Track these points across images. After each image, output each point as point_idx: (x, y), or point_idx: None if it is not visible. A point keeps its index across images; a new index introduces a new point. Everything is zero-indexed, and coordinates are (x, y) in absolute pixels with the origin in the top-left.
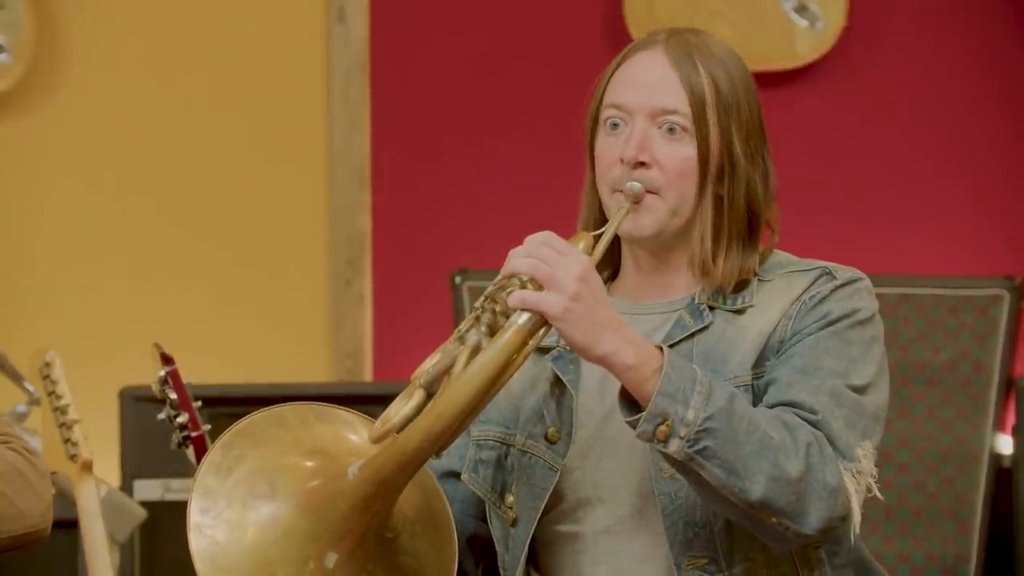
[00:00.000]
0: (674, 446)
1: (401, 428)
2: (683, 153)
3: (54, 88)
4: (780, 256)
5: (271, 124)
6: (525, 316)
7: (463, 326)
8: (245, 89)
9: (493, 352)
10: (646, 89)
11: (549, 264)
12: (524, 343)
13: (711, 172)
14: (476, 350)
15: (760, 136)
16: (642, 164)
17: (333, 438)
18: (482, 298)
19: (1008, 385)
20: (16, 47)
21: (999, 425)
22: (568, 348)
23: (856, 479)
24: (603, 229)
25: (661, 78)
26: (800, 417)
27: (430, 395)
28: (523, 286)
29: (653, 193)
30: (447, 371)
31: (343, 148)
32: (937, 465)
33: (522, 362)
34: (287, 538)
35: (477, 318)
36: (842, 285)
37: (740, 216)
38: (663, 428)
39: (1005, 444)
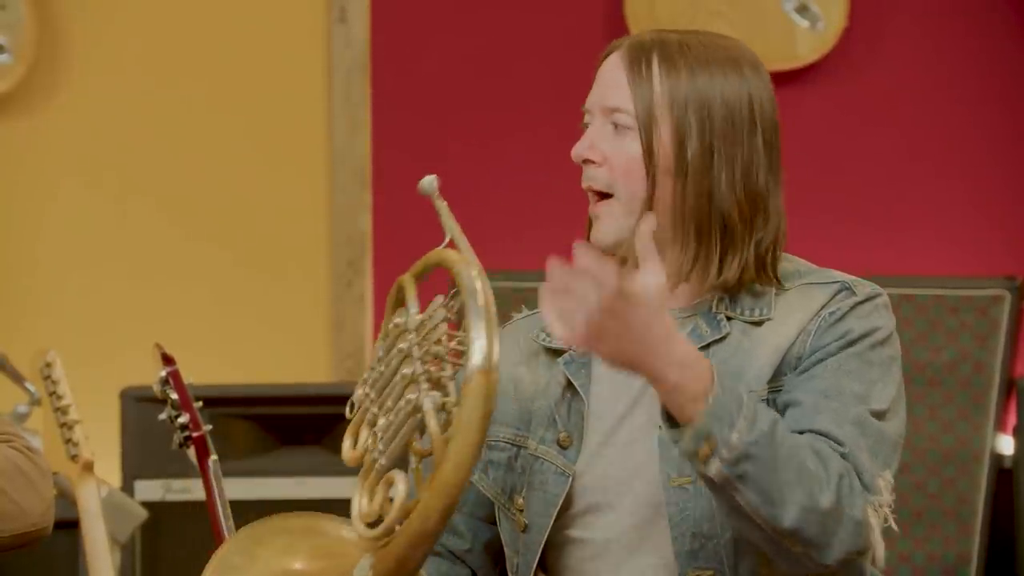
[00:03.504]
0: (714, 468)
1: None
2: (629, 149)
3: (55, 88)
4: (796, 263)
5: (272, 124)
6: (479, 355)
7: (409, 394)
8: (246, 89)
9: (471, 407)
10: (600, 89)
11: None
12: (487, 382)
13: (659, 170)
14: (439, 407)
15: (738, 132)
16: (589, 162)
17: (335, 542)
18: (416, 361)
19: (1009, 386)
20: (17, 48)
21: (1000, 426)
22: (580, 352)
23: (877, 512)
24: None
25: (612, 78)
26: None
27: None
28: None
29: (608, 196)
30: (408, 442)
31: (344, 148)
32: (938, 466)
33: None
34: None
35: (414, 379)
36: (862, 302)
37: (702, 216)
38: (705, 448)
39: (1006, 445)
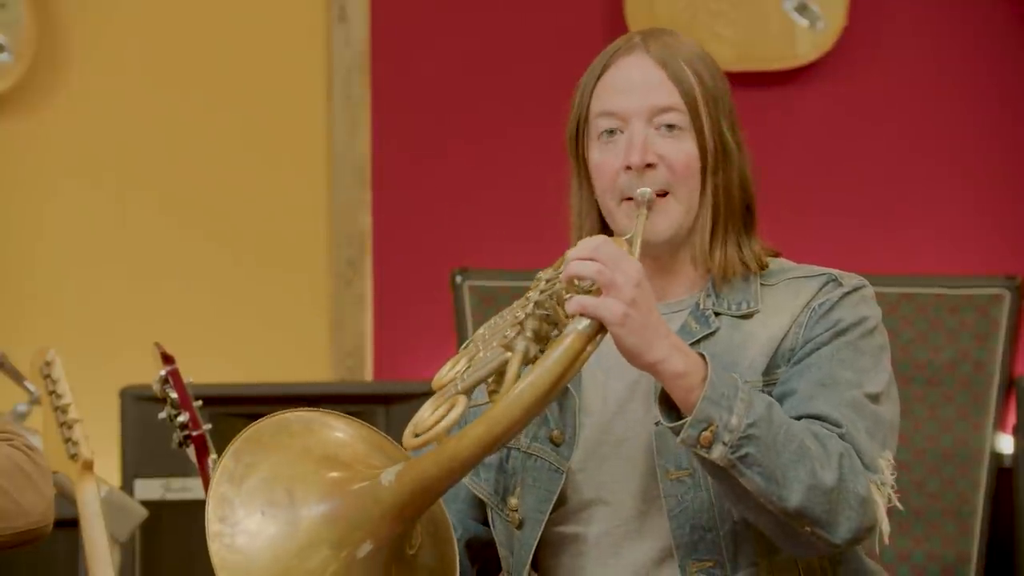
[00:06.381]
0: (717, 452)
1: (445, 434)
2: (687, 149)
3: (54, 88)
4: (782, 263)
5: (272, 123)
6: (585, 322)
7: (509, 332)
8: (246, 88)
9: (556, 357)
10: (638, 91)
11: (610, 268)
12: (584, 348)
13: (710, 165)
14: (527, 356)
15: (739, 126)
16: (649, 166)
17: (338, 445)
18: (531, 304)
19: (1009, 385)
20: (16, 47)
21: (1000, 425)
22: None
23: (880, 490)
24: (630, 235)
25: (651, 78)
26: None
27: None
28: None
29: (664, 195)
30: (487, 379)
31: (344, 147)
32: (938, 465)
33: (580, 368)
34: (310, 547)
35: (521, 324)
36: (849, 292)
37: (736, 205)
38: (707, 434)
39: (1006, 444)
